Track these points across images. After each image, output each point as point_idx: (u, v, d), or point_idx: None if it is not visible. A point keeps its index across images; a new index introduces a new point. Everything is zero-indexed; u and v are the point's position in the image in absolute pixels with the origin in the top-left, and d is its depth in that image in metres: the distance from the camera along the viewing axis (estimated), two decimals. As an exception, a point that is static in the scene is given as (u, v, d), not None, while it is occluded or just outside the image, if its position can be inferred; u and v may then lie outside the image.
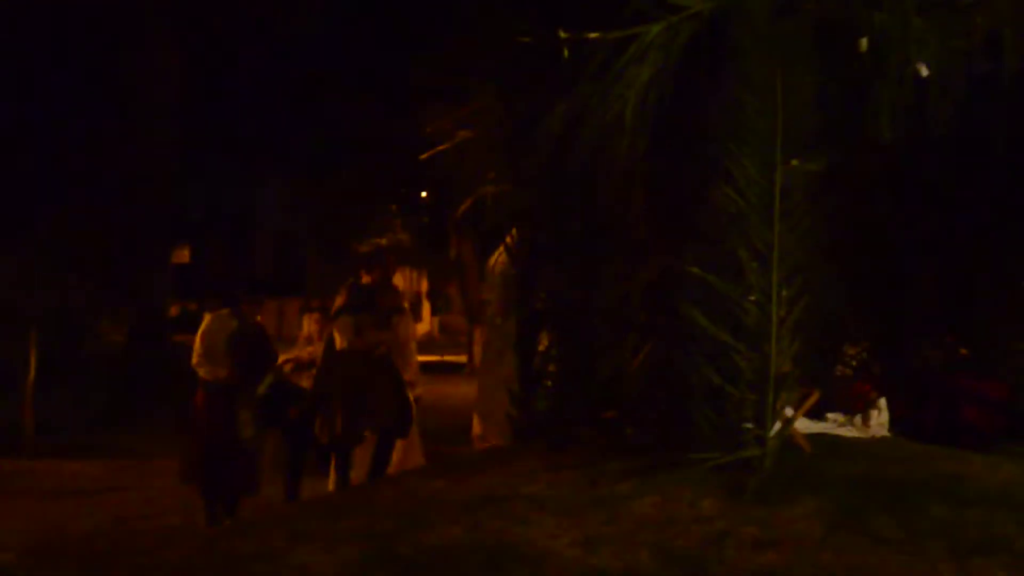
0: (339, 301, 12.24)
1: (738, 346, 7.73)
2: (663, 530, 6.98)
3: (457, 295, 41.89)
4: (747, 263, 7.73)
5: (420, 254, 44.36)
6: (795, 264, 7.79)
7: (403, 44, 27.28)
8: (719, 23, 8.29)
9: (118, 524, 12.58)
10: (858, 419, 9.35)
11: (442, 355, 36.13)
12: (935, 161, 9.77)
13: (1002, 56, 8.35)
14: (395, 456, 12.35)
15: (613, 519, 7.20)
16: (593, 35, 8.49)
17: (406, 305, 13.43)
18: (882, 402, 9.41)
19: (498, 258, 13.88)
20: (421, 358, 14.90)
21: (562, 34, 8.66)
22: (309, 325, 13.72)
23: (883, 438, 9.14)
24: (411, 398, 12.49)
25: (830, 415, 9.27)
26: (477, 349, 27.70)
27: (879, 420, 9.32)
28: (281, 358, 13.07)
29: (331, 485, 12.39)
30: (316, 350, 12.95)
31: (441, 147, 11.14)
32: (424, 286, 52.26)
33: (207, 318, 12.42)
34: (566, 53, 8.80)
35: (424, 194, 38.48)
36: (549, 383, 10.06)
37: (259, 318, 12.59)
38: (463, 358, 34.87)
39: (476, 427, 15.52)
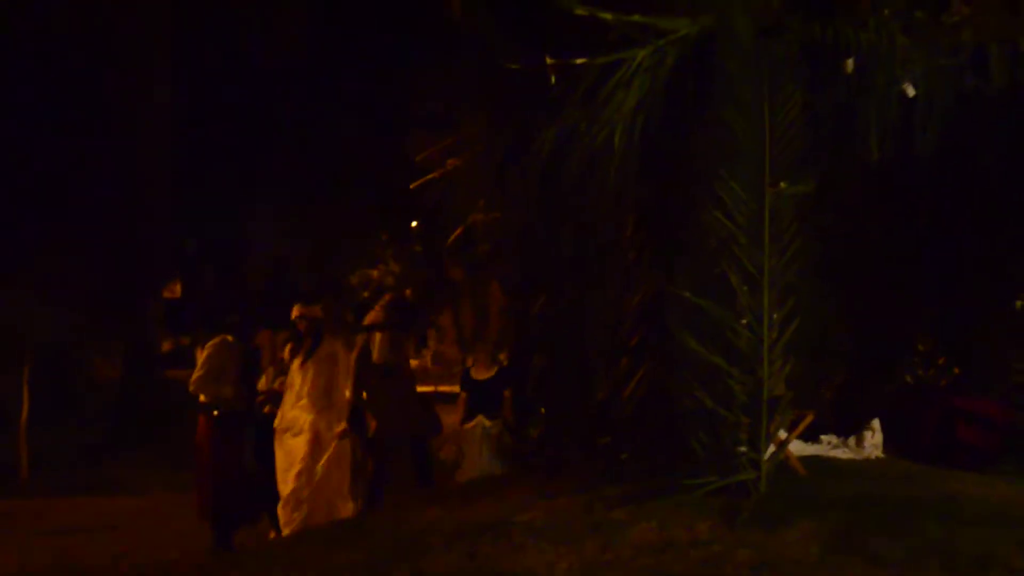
0: (374, 316, 12.38)
1: (731, 369, 7.72)
2: (660, 555, 6.95)
3: (450, 325, 41.84)
4: (738, 286, 7.72)
5: (412, 284, 44.32)
6: (786, 286, 7.78)
7: (391, 74, 27.35)
8: (705, 46, 8.30)
9: (117, 559, 12.50)
10: (852, 440, 9.34)
11: (436, 386, 36.07)
12: (924, 179, 9.78)
13: (989, 72, 8.35)
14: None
15: (610, 545, 7.17)
16: (580, 60, 8.50)
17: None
18: (876, 423, 9.40)
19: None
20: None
21: (549, 60, 8.67)
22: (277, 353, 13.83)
23: (878, 459, 9.13)
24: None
25: (824, 437, 9.26)
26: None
27: (873, 441, 9.31)
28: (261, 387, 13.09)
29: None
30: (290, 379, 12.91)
31: (431, 175, 11.13)
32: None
33: (212, 341, 12.39)
34: (553, 79, 8.82)
35: (415, 223, 38.52)
36: (543, 410, 10.05)
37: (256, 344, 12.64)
38: (457, 388, 34.77)
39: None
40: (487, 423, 12.65)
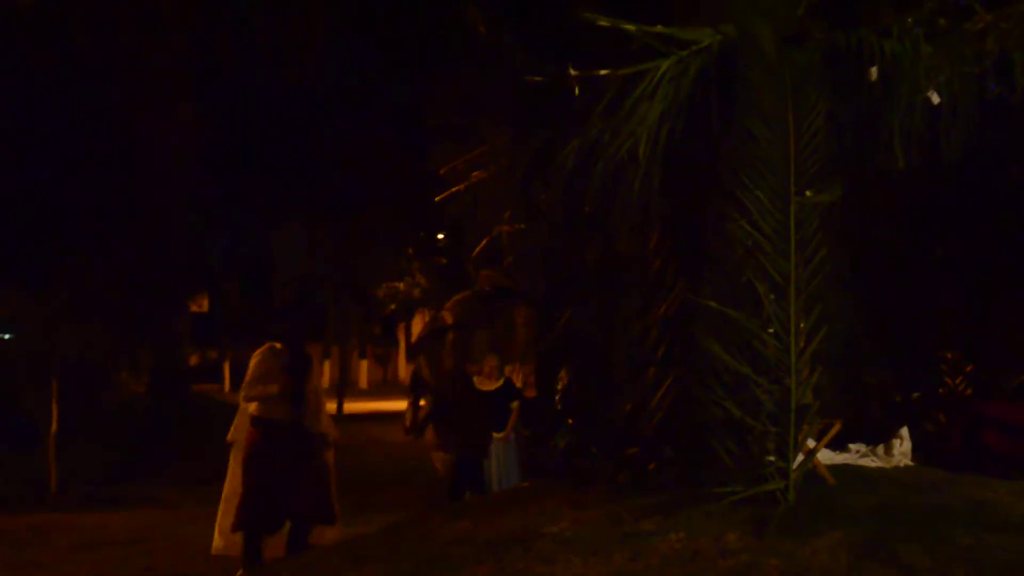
0: (451, 318, 12.31)
1: (758, 379, 7.71)
2: (689, 565, 6.95)
3: (477, 336, 41.78)
4: (764, 295, 7.72)
5: (439, 296, 44.37)
6: (812, 295, 7.78)
7: (416, 86, 27.38)
8: (728, 56, 8.32)
9: (145, 574, 12.57)
10: (880, 449, 9.31)
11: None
12: (950, 187, 9.77)
13: (1013, 80, 8.34)
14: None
15: (639, 556, 7.17)
16: (604, 72, 8.52)
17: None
18: (904, 431, 9.37)
19: None
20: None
21: (573, 72, 8.69)
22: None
23: (906, 467, 9.10)
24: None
25: (852, 445, 9.23)
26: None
27: (902, 449, 9.27)
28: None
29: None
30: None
31: (456, 188, 11.15)
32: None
33: (259, 349, 12.35)
34: (577, 90, 8.84)
35: (441, 236, 38.58)
36: (570, 420, 10.06)
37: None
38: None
39: None
40: (496, 436, 12.57)
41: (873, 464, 9.08)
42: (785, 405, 7.70)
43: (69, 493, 18.32)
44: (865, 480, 8.29)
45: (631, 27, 8.37)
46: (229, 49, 23.09)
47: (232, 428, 12.35)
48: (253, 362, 12.15)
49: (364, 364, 62.29)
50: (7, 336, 22.96)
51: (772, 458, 7.72)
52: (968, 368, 10.62)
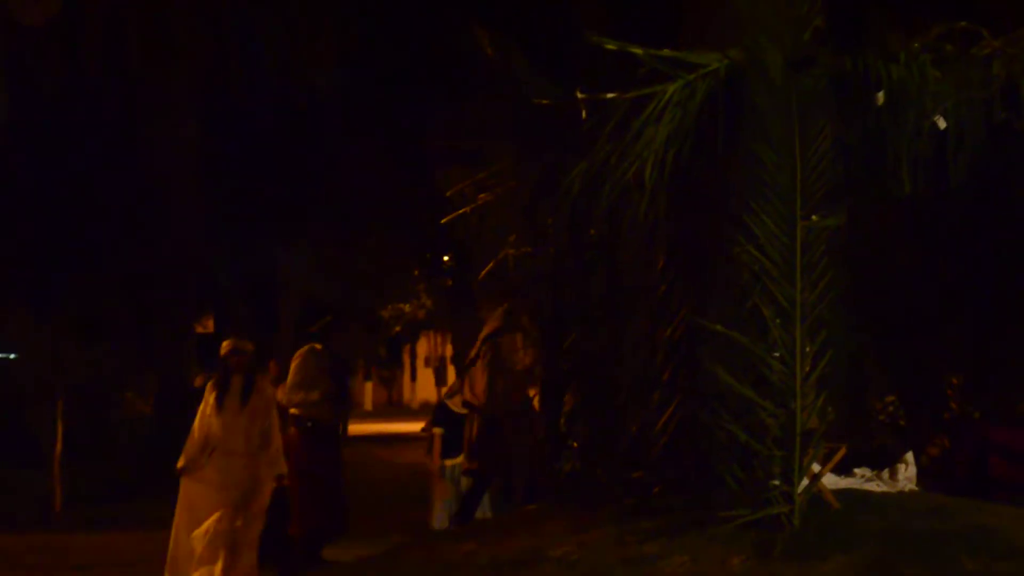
0: (495, 324, 12.28)
1: (764, 403, 7.70)
2: (693, 589, 6.95)
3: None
4: (770, 319, 7.72)
5: (444, 318, 44.37)
6: (818, 319, 7.78)
7: (423, 109, 27.44)
8: (735, 80, 8.33)
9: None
10: (886, 473, 9.31)
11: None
12: (956, 212, 9.77)
13: (1019, 106, 8.35)
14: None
15: (643, 579, 7.17)
16: (611, 95, 8.55)
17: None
18: (909, 456, 9.37)
19: None
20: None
21: (579, 95, 8.72)
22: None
23: (911, 492, 9.09)
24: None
25: (857, 470, 9.23)
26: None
27: (907, 474, 9.28)
28: None
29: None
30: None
31: (462, 210, 11.17)
32: (449, 350, 52.23)
33: (300, 351, 12.24)
34: (584, 113, 8.86)
35: (447, 258, 38.60)
36: (575, 444, 10.05)
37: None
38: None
39: None
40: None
41: (878, 489, 9.08)
42: (790, 429, 7.69)
43: (74, 513, 18.31)
44: (870, 505, 8.28)
45: (638, 50, 8.39)
46: (237, 71, 23.14)
47: (184, 455, 11.89)
48: (295, 364, 12.03)
49: (369, 386, 62.27)
50: (13, 356, 23.00)
51: (777, 482, 7.71)
52: (974, 392, 10.60)
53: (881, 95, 8.30)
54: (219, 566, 11.27)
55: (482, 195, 11.00)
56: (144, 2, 21.35)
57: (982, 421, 10.41)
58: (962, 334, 10.50)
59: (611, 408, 9.59)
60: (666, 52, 8.53)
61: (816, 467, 7.99)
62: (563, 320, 10.30)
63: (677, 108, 8.34)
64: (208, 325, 41.60)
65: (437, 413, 12.53)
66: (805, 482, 7.80)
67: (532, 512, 10.50)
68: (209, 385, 12.01)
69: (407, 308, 48.76)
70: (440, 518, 12.41)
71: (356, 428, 38.67)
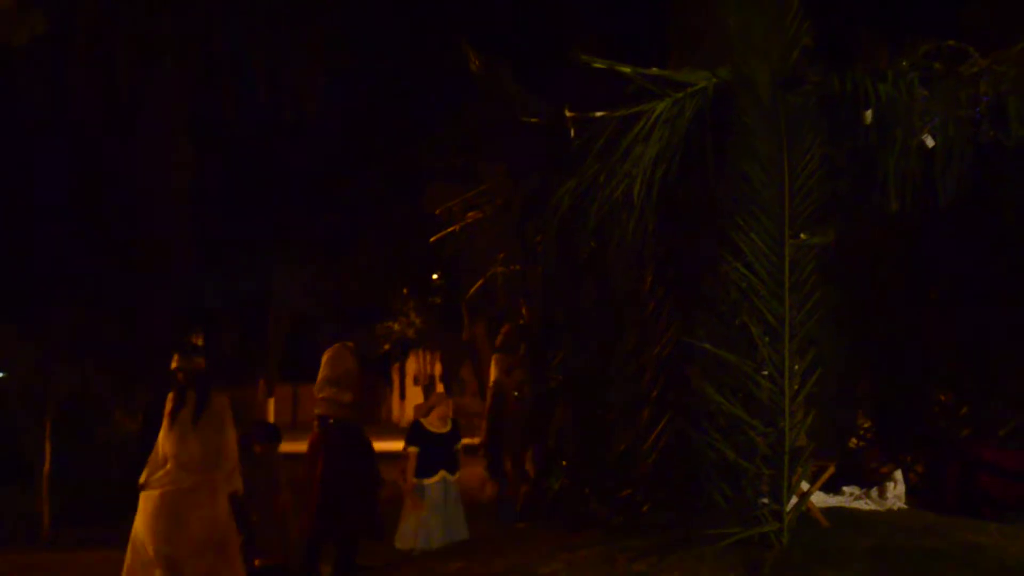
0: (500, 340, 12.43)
1: (752, 421, 7.70)
2: (681, 607, 6.95)
3: (471, 377, 41.79)
4: (759, 337, 7.72)
5: (433, 336, 44.37)
6: (807, 337, 7.78)
7: (412, 128, 27.50)
8: (723, 98, 8.35)
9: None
10: (874, 492, 9.30)
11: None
12: (944, 230, 9.79)
13: (1007, 124, 8.38)
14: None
15: (631, 597, 7.17)
16: (599, 113, 8.57)
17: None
18: (898, 474, 9.36)
19: None
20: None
21: (568, 113, 8.74)
22: None
23: (900, 510, 9.08)
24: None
25: (846, 488, 9.22)
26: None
27: (895, 492, 9.26)
28: None
29: None
30: None
31: (451, 228, 11.18)
32: (438, 368, 52.20)
33: (331, 348, 12.16)
34: (573, 131, 8.88)
35: (436, 276, 38.63)
36: (564, 462, 10.06)
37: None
38: (477, 440, 34.75)
39: None
40: (450, 478, 12.38)
41: (867, 507, 9.07)
42: (779, 447, 7.69)
43: (62, 532, 18.22)
44: (859, 523, 8.28)
45: (627, 69, 8.42)
46: (227, 89, 23.16)
47: (145, 471, 11.58)
48: (327, 358, 11.91)
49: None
50: (0, 374, 22.94)
51: (766, 500, 7.71)
52: (963, 411, 10.60)
53: (869, 113, 8.32)
54: None
55: (471, 213, 11.01)
56: (132, 22, 21.36)
57: (970, 439, 10.41)
58: (950, 352, 10.51)
59: (600, 426, 9.59)
60: (655, 71, 8.56)
61: (805, 485, 7.99)
62: (552, 338, 10.30)
63: (665, 126, 8.36)
64: (198, 341, 41.48)
65: (411, 432, 12.38)
66: (794, 500, 7.80)
67: (521, 530, 10.49)
68: (168, 399, 11.70)
69: (396, 326, 48.72)
70: (406, 537, 12.33)
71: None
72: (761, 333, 7.74)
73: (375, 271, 37.36)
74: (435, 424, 12.20)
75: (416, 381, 61.00)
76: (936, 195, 8.45)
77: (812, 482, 8.17)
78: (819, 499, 8.47)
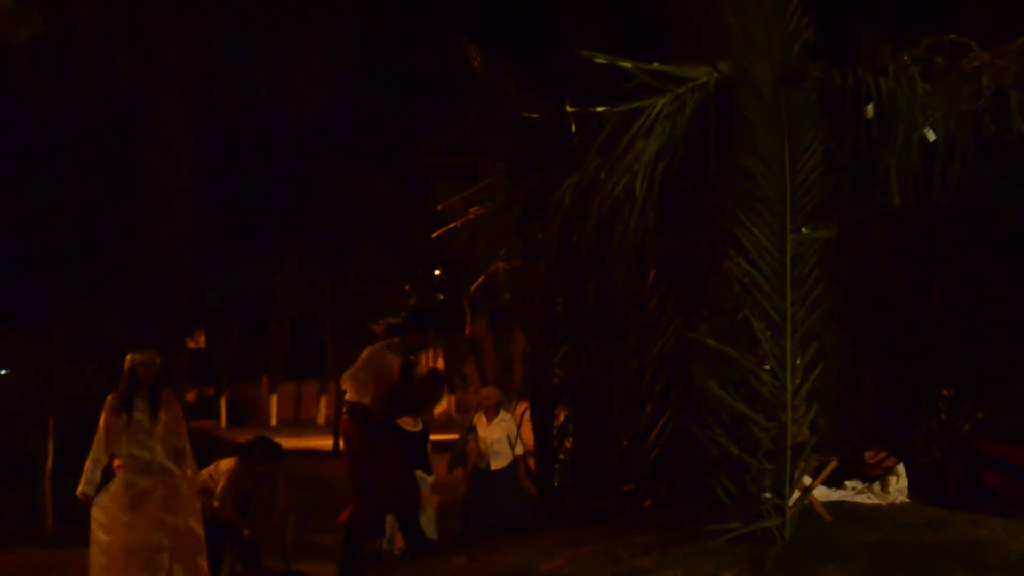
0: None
1: (755, 416, 7.69)
2: (685, 603, 6.94)
3: (474, 373, 41.78)
4: (761, 332, 7.71)
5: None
6: (809, 332, 7.77)
7: (414, 125, 27.49)
8: (725, 94, 8.34)
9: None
10: (877, 486, 9.28)
11: (459, 434, 36.00)
12: (946, 224, 9.79)
13: (1008, 118, 8.37)
14: None
15: (634, 593, 7.16)
16: (600, 109, 8.56)
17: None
18: (900, 468, 9.34)
19: None
20: (439, 436, 14.75)
21: (569, 108, 8.73)
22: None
23: (903, 504, 9.07)
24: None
25: (849, 483, 9.20)
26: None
27: (898, 486, 9.24)
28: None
29: None
30: None
31: (453, 224, 11.18)
32: (440, 364, 52.20)
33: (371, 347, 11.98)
34: (574, 127, 8.88)
35: (437, 272, 38.64)
36: (563, 457, 10.07)
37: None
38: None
39: None
40: (428, 478, 12.30)
41: (869, 501, 9.05)
42: (781, 442, 7.68)
43: (65, 530, 18.22)
44: (861, 517, 8.27)
45: (628, 64, 8.41)
46: (229, 89, 23.15)
47: (83, 479, 11.48)
48: (366, 354, 11.59)
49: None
50: (3, 373, 22.96)
51: (768, 495, 7.70)
52: (965, 405, 10.59)
53: (871, 108, 8.32)
54: None
55: (473, 209, 11.01)
56: (133, 23, 21.37)
57: (973, 434, 10.41)
58: (953, 346, 10.50)
59: (602, 422, 9.59)
60: (656, 66, 8.55)
61: (807, 480, 7.99)
62: (554, 334, 10.30)
63: (667, 122, 8.36)
64: (200, 340, 41.56)
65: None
66: (796, 495, 7.79)
67: (523, 527, 10.48)
68: (110, 400, 11.50)
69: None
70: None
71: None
72: (763, 328, 7.72)
73: (377, 268, 37.37)
74: (407, 423, 11.95)
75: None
76: (938, 189, 8.44)
77: (815, 476, 8.16)
78: (821, 493, 8.46)
